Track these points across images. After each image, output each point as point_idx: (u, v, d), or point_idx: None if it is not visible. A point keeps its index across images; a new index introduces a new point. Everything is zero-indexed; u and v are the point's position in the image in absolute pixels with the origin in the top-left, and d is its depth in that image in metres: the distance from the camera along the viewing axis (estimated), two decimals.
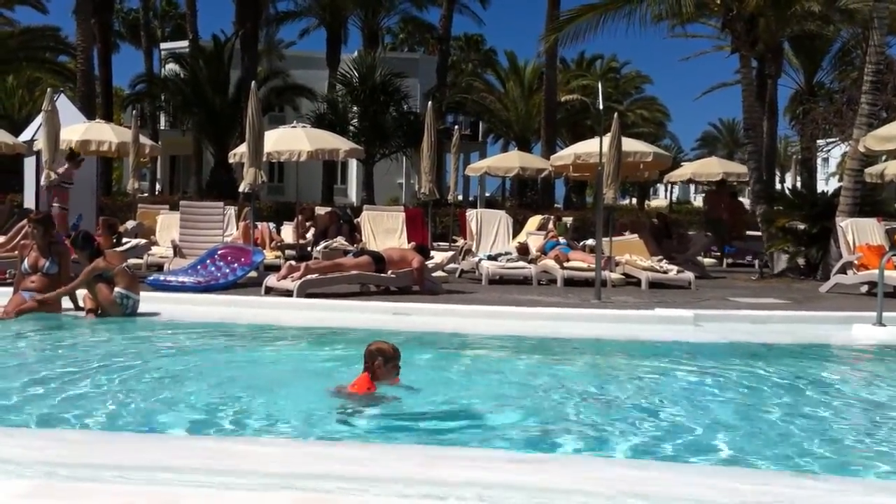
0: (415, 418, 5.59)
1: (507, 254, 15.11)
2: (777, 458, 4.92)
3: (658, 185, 71.03)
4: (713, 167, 24.31)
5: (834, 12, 23.51)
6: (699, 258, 17.31)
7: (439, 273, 13.47)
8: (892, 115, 20.38)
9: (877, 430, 5.75)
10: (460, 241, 18.06)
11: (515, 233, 17.41)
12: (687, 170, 25.98)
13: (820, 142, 32.83)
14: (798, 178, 36.56)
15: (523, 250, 15.45)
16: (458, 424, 5.59)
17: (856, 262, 13.34)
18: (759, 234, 18.09)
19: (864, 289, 12.95)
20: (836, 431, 5.66)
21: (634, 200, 57.44)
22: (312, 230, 17.16)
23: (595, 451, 5.04)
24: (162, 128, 43.90)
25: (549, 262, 14.47)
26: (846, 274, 13.47)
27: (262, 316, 10.07)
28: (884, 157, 20.01)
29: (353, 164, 43.05)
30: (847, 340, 9.05)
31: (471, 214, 17.39)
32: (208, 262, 12.62)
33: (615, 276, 13.77)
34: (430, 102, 19.39)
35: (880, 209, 18.34)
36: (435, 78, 38.56)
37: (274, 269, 13.08)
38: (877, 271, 9.98)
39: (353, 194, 45.13)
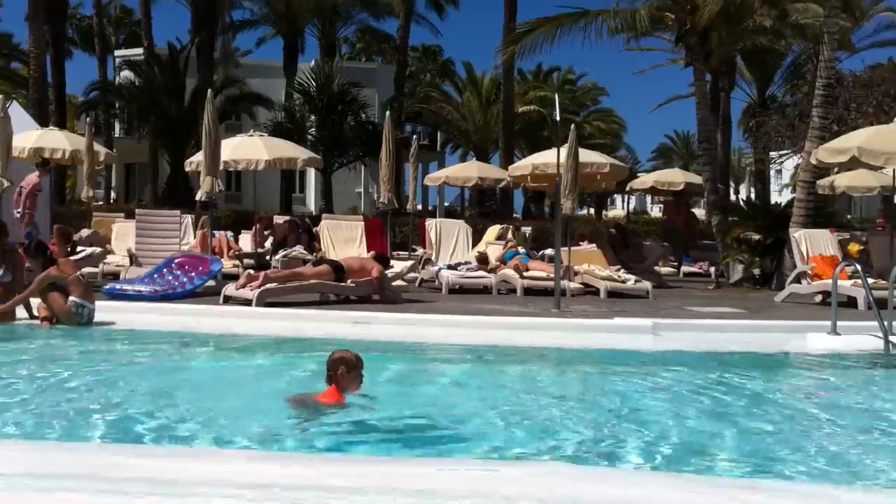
0: (376, 429, 5.58)
1: (466, 263, 15.13)
2: (729, 463, 5.00)
3: (615, 195, 71.79)
4: (675, 177, 24.54)
5: (785, 27, 23.91)
6: (656, 268, 17.48)
7: (399, 282, 13.46)
8: (842, 128, 20.75)
9: (830, 437, 5.84)
10: (420, 251, 18.05)
11: (475, 242, 17.43)
12: (650, 178, 26.22)
13: (773, 154, 33.36)
14: (752, 190, 37.16)
15: (483, 260, 15.49)
16: (420, 434, 5.58)
17: (809, 272, 13.56)
18: (714, 243, 18.30)
19: (819, 298, 13.15)
20: (789, 438, 5.74)
21: (592, 211, 57.94)
22: (271, 239, 17.04)
23: (555, 457, 5.06)
24: (117, 135, 43.38)
25: (508, 272, 14.52)
26: (800, 284, 13.68)
27: (221, 325, 9.97)
28: (835, 170, 20.34)
29: (312, 174, 42.89)
30: (802, 349, 9.16)
31: (430, 224, 17.39)
32: (165, 270, 12.47)
33: (574, 285, 13.84)
34: (388, 112, 19.39)
35: (832, 220, 18.66)
36: (393, 88, 38.58)
37: (232, 278, 12.98)
38: (830, 281, 10.14)
39: (311, 203, 44.94)
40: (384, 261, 12.93)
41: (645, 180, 25.85)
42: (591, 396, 6.96)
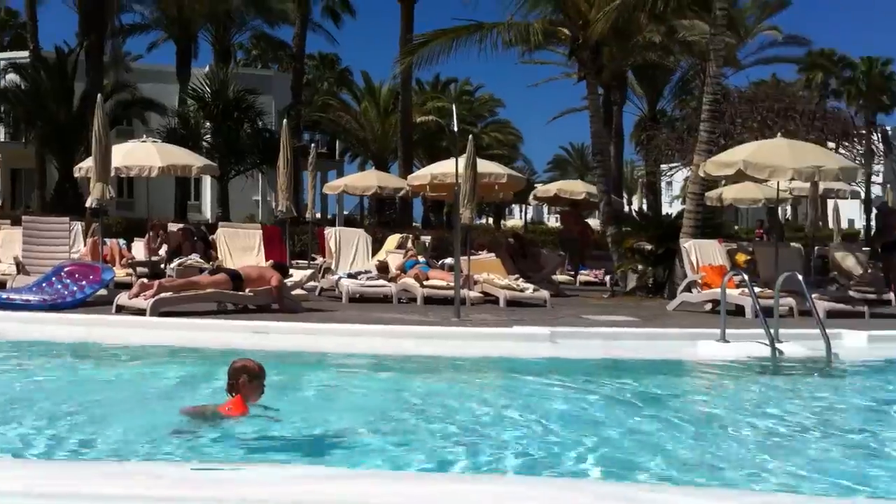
0: (277, 440, 5.52)
1: (366, 272, 15.09)
2: (623, 469, 5.13)
3: (513, 205, 72.66)
4: (577, 187, 24.91)
5: (674, 43, 24.74)
6: (554, 277, 17.77)
7: (298, 291, 13.31)
8: (729, 142, 21.50)
9: (720, 442, 6.05)
10: (319, 260, 17.90)
11: (374, 251, 17.40)
12: (553, 187, 26.58)
13: (663, 166, 34.27)
14: (644, 201, 38.12)
15: (383, 268, 15.46)
16: (321, 444, 5.55)
17: (699, 281, 14.00)
18: (608, 253, 18.70)
19: (708, 307, 13.58)
20: (682, 443, 5.93)
21: (491, 220, 58.55)
22: (165, 247, 16.65)
23: (456, 467, 5.11)
24: (1, 140, 41.66)
25: (408, 281, 14.54)
26: (691, 292, 14.11)
27: (113, 335, 9.69)
28: (723, 182, 21.07)
29: (208, 181, 42.02)
30: (693, 356, 9.46)
31: (329, 232, 17.28)
32: (54, 279, 12.06)
33: (474, 294, 13.96)
34: (285, 120, 19.18)
35: (720, 231, 19.31)
36: (290, 95, 38.16)
37: (125, 287, 12.63)
38: (719, 290, 10.49)
39: (207, 211, 44.03)
40: (283, 269, 12.79)
41: (549, 189, 26.23)
42: (490, 404, 7.02)
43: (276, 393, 6.27)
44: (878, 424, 6.25)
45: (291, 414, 6.09)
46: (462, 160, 14.22)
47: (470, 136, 16.19)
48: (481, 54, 18.16)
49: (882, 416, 6.35)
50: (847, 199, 26.97)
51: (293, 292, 12.83)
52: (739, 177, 15.19)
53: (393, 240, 18.47)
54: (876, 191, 48.37)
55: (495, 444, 5.64)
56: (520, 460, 5.21)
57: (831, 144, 23.64)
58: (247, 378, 5.68)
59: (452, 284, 12.50)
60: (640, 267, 16.71)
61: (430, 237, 21.44)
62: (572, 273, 21.00)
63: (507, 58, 20.67)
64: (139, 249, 17.16)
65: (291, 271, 13.56)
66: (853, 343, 10.16)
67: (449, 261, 15.29)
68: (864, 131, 28.38)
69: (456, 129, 14.39)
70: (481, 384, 8.01)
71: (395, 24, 31.49)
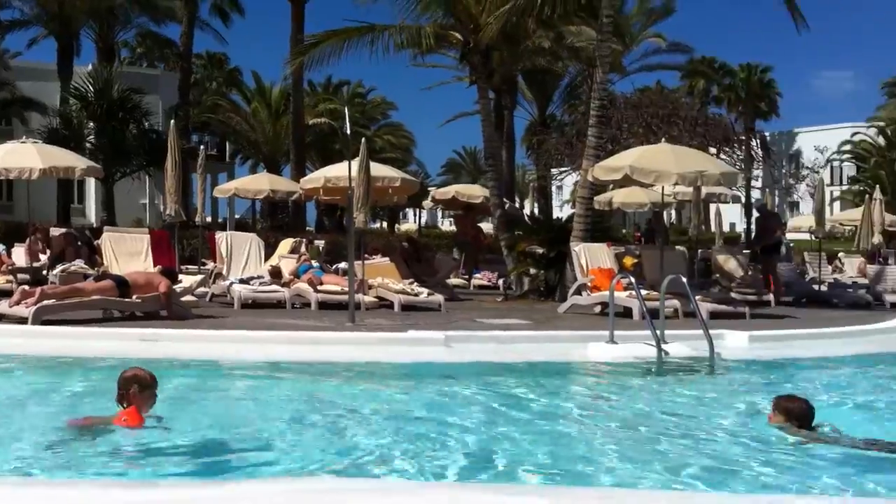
0: (168, 451, 5.40)
1: (259, 277, 14.89)
2: (516, 467, 5.23)
3: (407, 209, 72.74)
4: (475, 191, 25.06)
5: (562, 49, 25.23)
6: (448, 281, 17.89)
7: (188, 297, 13.04)
8: (616, 147, 22.05)
9: (610, 440, 6.21)
10: (210, 265, 17.55)
11: (267, 256, 17.15)
12: (451, 189, 26.68)
13: (554, 171, 34.88)
14: (535, 205, 38.72)
15: (276, 274, 15.29)
16: (214, 453, 5.46)
17: (589, 284, 14.31)
18: (501, 257, 18.92)
19: (598, 309, 13.90)
20: (574, 442, 6.08)
21: (385, 224, 58.51)
22: (48, 252, 16.06)
23: (350, 473, 5.11)
24: None
25: (302, 286, 14.41)
26: (581, 295, 14.41)
27: None
28: (611, 186, 21.62)
29: (92, 183, 40.71)
30: (583, 357, 9.66)
31: (220, 237, 16.95)
32: None
33: (369, 299, 13.94)
34: (172, 120, 18.74)
35: (609, 234, 19.77)
36: (177, 95, 37.32)
37: (6, 294, 12.14)
38: (608, 293, 10.76)
39: (91, 214, 42.66)
40: (172, 275, 12.49)
41: (447, 191, 26.28)
42: (384, 409, 7.03)
43: (168, 402, 6.14)
44: (756, 420, 6.49)
45: (183, 423, 5.98)
46: (355, 163, 14.19)
47: (363, 139, 16.17)
48: (373, 56, 18.14)
49: (759, 413, 6.60)
50: (728, 203, 27.93)
51: (183, 298, 12.55)
52: (626, 181, 15.59)
53: (286, 244, 18.26)
54: (755, 195, 50.42)
55: (389, 448, 5.66)
56: (415, 463, 5.24)
57: (713, 150, 24.52)
58: (137, 388, 5.54)
59: (346, 289, 12.45)
60: (532, 270, 16.96)
61: (323, 241, 21.30)
62: (466, 277, 21.18)
63: (399, 60, 20.70)
64: (20, 255, 16.52)
65: (181, 277, 13.25)
66: (735, 343, 10.56)
67: (343, 265, 15.23)
68: (743, 137, 29.53)
69: (349, 131, 14.34)
70: (375, 389, 8.01)
71: (286, 24, 31.22)
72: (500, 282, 18.93)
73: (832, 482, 5.09)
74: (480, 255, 22.45)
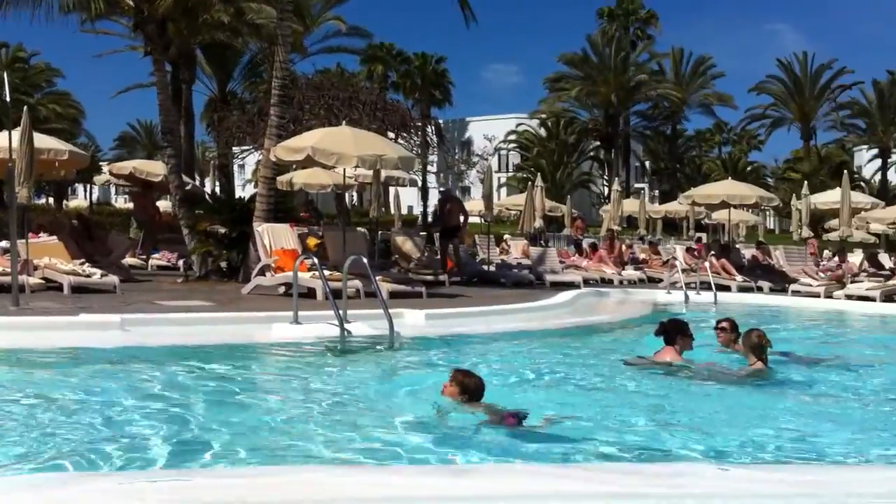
0: None
1: None
2: (205, 453, 5.18)
3: (77, 184, 68.13)
4: (157, 168, 23.42)
5: (242, 25, 24.82)
6: (123, 261, 17.04)
7: None
8: (298, 127, 22.14)
9: (288, 418, 6.30)
10: None
11: None
12: (129, 164, 24.84)
13: (235, 149, 34.35)
14: (217, 184, 37.86)
15: None
16: None
17: (273, 264, 14.29)
18: (181, 236, 18.32)
19: (282, 290, 13.91)
20: (259, 423, 6.09)
21: (52, 200, 54.39)
22: None
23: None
24: None
25: None
26: (265, 276, 14.35)
27: None
28: (294, 167, 21.66)
29: None
30: (268, 338, 9.66)
31: None
32: None
33: (34, 280, 12.95)
34: None
35: (292, 215, 19.81)
36: None
37: None
38: (292, 273, 10.82)
39: None
40: None
41: (124, 166, 24.68)
42: (54, 398, 6.61)
43: None
44: (431, 393, 6.83)
45: None
46: (17, 134, 13.14)
47: (25, 108, 14.98)
48: (35, 18, 16.74)
49: (434, 386, 6.94)
50: (406, 186, 29.08)
51: None
52: (309, 162, 15.71)
53: None
54: (431, 180, 52.75)
55: (61, 439, 5.36)
56: (87, 455, 4.99)
57: (391, 134, 25.41)
58: None
59: (9, 270, 11.49)
60: (214, 251, 16.61)
61: None
62: (144, 257, 20.32)
63: (66, 24, 19.13)
64: None
65: None
66: (413, 321, 11.04)
67: (4, 244, 14.01)
68: (420, 124, 30.82)
69: (8, 98, 13.21)
70: (44, 377, 7.48)
71: None
72: (181, 262, 18.36)
73: (497, 453, 5.52)
74: (159, 234, 21.60)
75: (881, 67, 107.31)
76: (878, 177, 65.18)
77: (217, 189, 35.95)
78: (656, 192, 70.85)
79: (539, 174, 35.71)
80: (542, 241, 28.94)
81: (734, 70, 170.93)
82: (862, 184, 59.72)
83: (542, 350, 10.54)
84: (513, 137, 70.04)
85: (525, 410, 6.20)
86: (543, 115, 66.76)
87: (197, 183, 32.79)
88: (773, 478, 4.31)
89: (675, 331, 8.73)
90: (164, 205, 25.03)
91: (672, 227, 43.51)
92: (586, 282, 20.21)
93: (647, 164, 76.88)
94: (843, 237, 24.00)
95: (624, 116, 66.56)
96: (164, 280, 16.50)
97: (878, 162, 65.56)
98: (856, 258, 23.71)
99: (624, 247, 24.53)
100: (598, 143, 67.54)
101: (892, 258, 26.30)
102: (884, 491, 3.99)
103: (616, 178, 44.24)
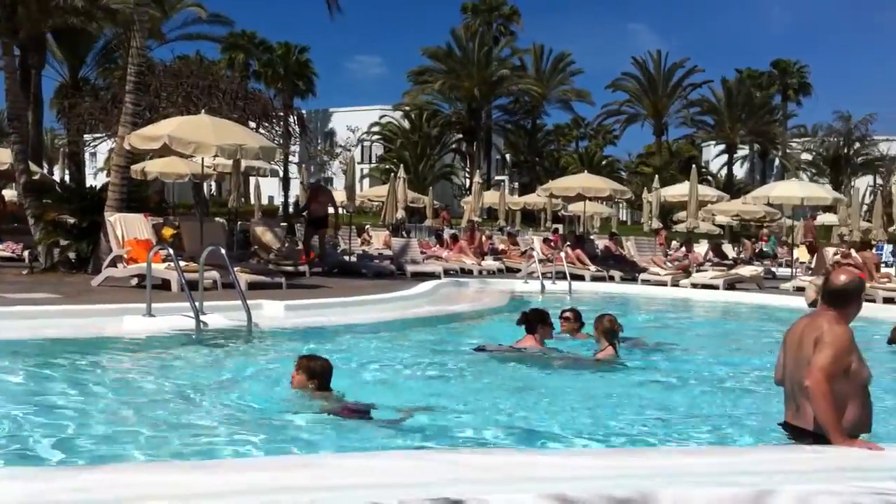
0: None
1: None
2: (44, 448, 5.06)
3: None
4: (2, 155, 22.54)
5: (96, 10, 23.97)
6: None
7: None
8: (155, 115, 21.55)
9: (136, 413, 6.19)
10: None
11: None
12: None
13: (87, 136, 33.08)
14: (66, 172, 36.37)
15: None
16: None
17: (125, 255, 13.88)
18: (27, 226, 17.56)
19: (135, 281, 13.53)
20: (105, 416, 5.97)
21: None
22: None
23: None
24: None
25: None
26: (117, 267, 13.92)
27: None
28: (149, 156, 21.07)
29: None
30: (119, 331, 9.37)
31: None
32: None
33: None
34: None
35: (146, 205, 19.24)
36: None
37: None
38: (146, 264, 10.55)
39: None
40: None
41: None
42: None
43: None
44: (283, 384, 6.82)
45: None
46: None
47: None
48: None
49: (287, 376, 6.93)
50: (267, 176, 28.67)
51: None
52: (165, 151, 15.35)
53: None
54: (293, 170, 52.12)
55: None
56: None
57: (252, 124, 25.02)
58: None
59: None
60: (62, 241, 15.99)
61: None
62: None
63: None
64: None
65: None
66: (272, 312, 10.97)
67: None
68: (282, 113, 30.42)
69: None
70: None
71: None
72: (26, 253, 17.59)
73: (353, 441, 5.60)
74: (4, 224, 20.63)
75: (731, 66, 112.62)
76: (724, 171, 68.68)
77: (67, 177, 34.55)
78: (516, 185, 72.26)
79: (402, 165, 35.91)
80: (403, 232, 29.15)
81: (593, 67, 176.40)
82: (709, 178, 62.88)
83: (400, 341, 10.65)
84: (376, 129, 70.08)
85: (372, 403, 6.30)
86: (407, 108, 67.06)
87: (45, 170, 31.47)
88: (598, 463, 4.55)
89: (535, 320, 9.06)
90: (9, 194, 23.93)
91: (531, 218, 44.54)
92: (447, 272, 20.48)
93: (508, 156, 78.28)
94: (690, 228, 25.11)
95: (486, 110, 67.54)
96: (8, 272, 15.78)
97: (725, 157, 69.11)
98: (701, 248, 24.97)
99: (484, 238, 24.98)
100: (460, 135, 68.34)
101: (736, 248, 27.92)
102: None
103: (477, 171, 44.94)
